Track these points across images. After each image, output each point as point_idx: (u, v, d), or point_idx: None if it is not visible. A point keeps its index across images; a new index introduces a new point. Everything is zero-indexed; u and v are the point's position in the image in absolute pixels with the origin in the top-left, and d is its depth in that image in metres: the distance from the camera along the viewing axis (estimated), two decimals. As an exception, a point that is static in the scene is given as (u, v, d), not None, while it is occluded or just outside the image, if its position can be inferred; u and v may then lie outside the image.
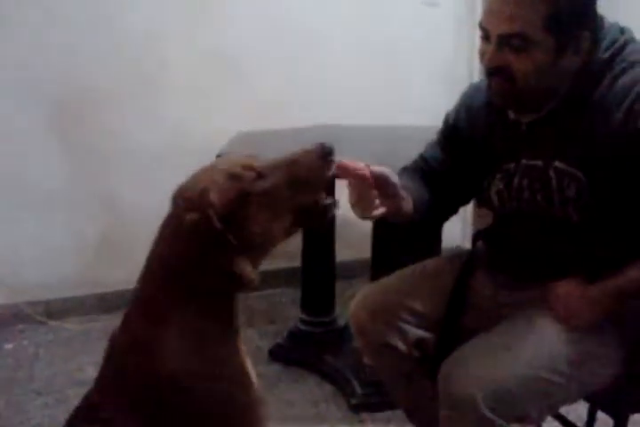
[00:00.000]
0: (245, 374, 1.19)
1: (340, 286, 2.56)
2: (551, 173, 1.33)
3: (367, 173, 1.22)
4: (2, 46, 2.50)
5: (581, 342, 1.30)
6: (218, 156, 2.09)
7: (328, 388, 2.27)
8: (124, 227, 2.75)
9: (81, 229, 2.75)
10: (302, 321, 2.47)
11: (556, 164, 1.32)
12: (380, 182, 1.25)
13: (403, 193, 1.34)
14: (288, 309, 2.74)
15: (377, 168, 1.25)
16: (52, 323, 2.75)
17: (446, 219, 1.61)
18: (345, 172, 1.20)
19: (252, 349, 2.44)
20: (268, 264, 3.26)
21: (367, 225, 2.34)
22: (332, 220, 1.18)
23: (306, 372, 2.37)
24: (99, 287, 2.78)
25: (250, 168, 1.10)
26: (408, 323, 1.51)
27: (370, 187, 1.24)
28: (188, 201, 1.09)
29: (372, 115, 2.70)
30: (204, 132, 2.66)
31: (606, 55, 1.27)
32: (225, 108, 2.78)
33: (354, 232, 2.59)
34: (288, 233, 1.16)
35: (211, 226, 1.05)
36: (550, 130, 1.33)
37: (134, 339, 1.14)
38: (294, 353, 2.43)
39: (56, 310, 2.78)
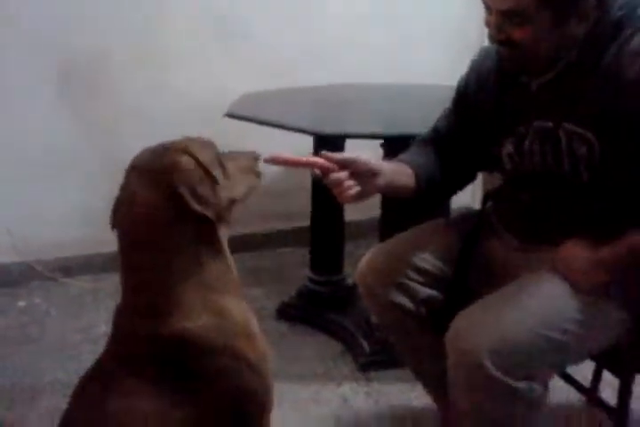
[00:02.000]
0: (249, 327, 1.23)
1: (349, 245, 2.57)
2: (561, 134, 1.32)
3: (305, 160, 1.28)
4: (11, 12, 2.48)
5: (589, 303, 1.30)
6: (226, 115, 2.09)
7: (336, 346, 2.29)
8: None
9: (92, 190, 2.72)
10: (311, 280, 2.49)
11: (566, 124, 1.31)
12: (347, 165, 1.28)
13: (389, 168, 1.38)
14: (296, 268, 2.74)
15: (337, 154, 1.29)
16: (64, 280, 2.78)
17: (461, 187, 1.62)
18: (285, 162, 1.27)
19: (259, 307, 2.46)
20: (276, 223, 3.32)
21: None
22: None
23: (314, 330, 2.39)
24: (109, 246, 2.78)
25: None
26: (415, 281, 1.52)
27: (330, 171, 1.27)
28: (166, 153, 1.18)
29: (383, 73, 2.66)
30: (213, 92, 2.63)
31: (617, 16, 1.26)
32: (234, 69, 2.75)
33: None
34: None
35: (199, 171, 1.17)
36: (560, 91, 1.33)
37: (134, 302, 1.18)
38: (302, 312, 2.45)
39: (67, 268, 2.81)
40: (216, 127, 2.30)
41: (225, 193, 1.20)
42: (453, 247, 1.53)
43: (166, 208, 1.14)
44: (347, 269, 2.50)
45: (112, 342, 1.21)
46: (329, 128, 2.00)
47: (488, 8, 1.30)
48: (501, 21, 1.27)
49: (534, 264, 1.40)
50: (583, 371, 1.75)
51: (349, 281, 2.47)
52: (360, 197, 1.32)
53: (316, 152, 2.10)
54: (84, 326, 2.43)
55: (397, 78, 2.64)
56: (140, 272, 1.17)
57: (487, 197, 1.60)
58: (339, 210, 2.43)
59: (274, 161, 1.26)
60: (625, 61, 1.23)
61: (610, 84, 1.25)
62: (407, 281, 1.51)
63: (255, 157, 1.33)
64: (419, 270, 1.52)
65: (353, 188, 1.29)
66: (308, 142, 2.21)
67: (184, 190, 1.13)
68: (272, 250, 3.03)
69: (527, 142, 1.39)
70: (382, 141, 2.01)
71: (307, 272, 2.52)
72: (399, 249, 1.55)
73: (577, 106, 1.30)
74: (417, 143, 1.58)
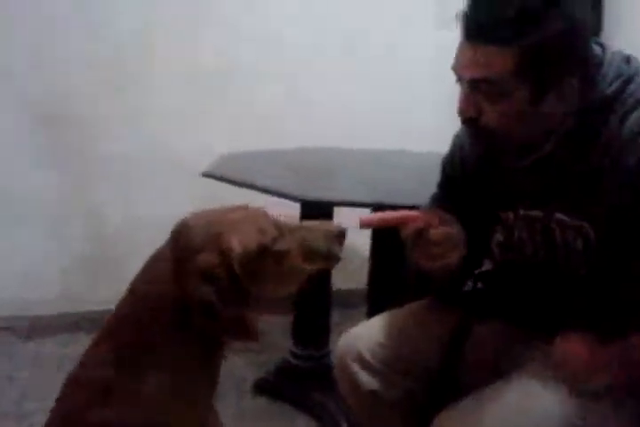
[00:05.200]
0: None
1: (335, 316, 2.41)
2: (553, 226, 1.18)
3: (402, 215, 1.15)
4: None
5: (588, 410, 1.14)
6: (203, 175, 1.97)
7: (315, 428, 2.11)
8: (108, 243, 2.66)
9: (65, 244, 2.66)
10: (292, 354, 2.32)
11: (558, 215, 1.17)
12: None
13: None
14: (281, 336, 2.57)
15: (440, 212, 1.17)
16: (31, 341, 2.62)
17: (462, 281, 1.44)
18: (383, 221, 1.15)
19: (237, 380, 2.31)
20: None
21: (366, 252, 2.20)
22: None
23: (293, 409, 2.20)
24: (81, 305, 2.66)
25: (275, 226, 1.07)
26: (398, 372, 1.37)
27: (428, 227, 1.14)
28: (203, 240, 1.00)
29: (370, 139, 2.56)
30: (191, 148, 2.57)
31: (610, 91, 1.13)
32: (218, 125, 2.68)
33: (352, 259, 2.45)
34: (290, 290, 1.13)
35: (228, 272, 0.99)
36: (548, 176, 1.18)
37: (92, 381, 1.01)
38: (281, 388, 2.28)
39: (36, 328, 2.66)
40: (197, 186, 2.22)
41: (265, 292, 1.06)
42: (440, 335, 1.38)
43: (175, 303, 0.99)
44: (333, 342, 2.33)
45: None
46: (315, 194, 1.88)
47: (458, 78, 1.15)
48: (472, 94, 1.13)
49: (528, 358, 1.26)
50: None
51: (334, 357, 2.29)
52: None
53: (304, 218, 2.00)
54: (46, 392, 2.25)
55: (388, 144, 2.52)
56: (119, 346, 1.01)
57: (478, 277, 1.44)
58: (325, 276, 2.28)
59: (370, 224, 1.13)
60: (627, 141, 1.10)
61: (608, 168, 1.11)
62: (389, 371, 1.37)
63: (339, 233, 1.12)
64: (402, 360, 1.37)
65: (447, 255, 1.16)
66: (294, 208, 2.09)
67: (199, 293, 0.98)
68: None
69: (516, 232, 1.25)
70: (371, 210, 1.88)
71: (289, 344, 2.35)
72: (381, 336, 1.40)
73: (569, 193, 1.16)
74: None
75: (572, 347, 1.18)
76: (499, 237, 1.29)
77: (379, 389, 1.37)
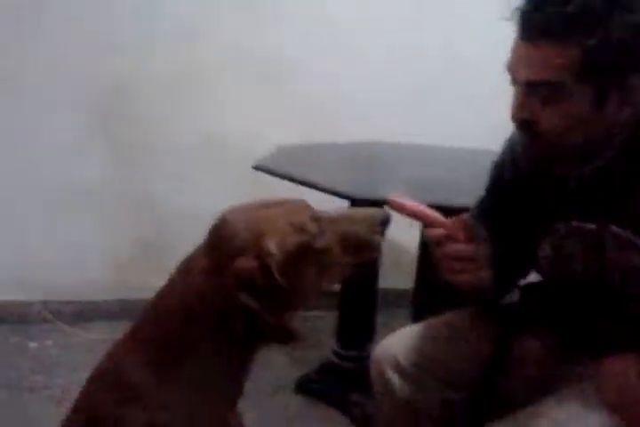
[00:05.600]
0: None
1: (382, 317, 2.34)
2: (608, 240, 1.09)
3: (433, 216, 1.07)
4: (41, 43, 2.42)
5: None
6: (254, 168, 1.94)
7: (353, 431, 2.06)
8: (158, 230, 2.66)
9: (114, 231, 2.66)
10: (336, 354, 2.27)
11: (613, 229, 1.08)
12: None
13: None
14: (327, 335, 2.53)
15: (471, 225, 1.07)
16: (78, 327, 2.65)
17: (502, 293, 1.36)
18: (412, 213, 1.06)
19: (279, 377, 2.28)
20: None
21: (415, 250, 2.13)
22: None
23: (332, 410, 2.16)
24: (129, 293, 2.67)
25: (315, 220, 1.01)
26: (436, 380, 1.31)
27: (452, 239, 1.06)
28: (240, 242, 0.95)
29: (431, 134, 2.48)
30: (244, 137, 2.54)
31: None
32: (271, 115, 2.63)
33: (401, 258, 2.39)
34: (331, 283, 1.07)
35: (267, 277, 0.93)
36: (604, 187, 1.09)
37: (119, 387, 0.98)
38: (322, 387, 2.23)
39: (83, 314, 2.70)
40: (245, 175, 2.19)
41: (306, 289, 1.01)
42: (481, 346, 1.31)
43: (212, 306, 0.96)
44: (378, 343, 2.27)
45: None
46: (364, 192, 1.82)
47: (513, 79, 1.06)
48: (528, 96, 1.04)
49: (575, 379, 1.18)
50: None
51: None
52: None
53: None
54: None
55: (447, 141, 2.44)
56: (148, 342, 0.99)
57: (526, 290, 1.36)
58: (373, 276, 2.22)
59: (398, 209, 1.06)
60: None
61: None
62: (427, 380, 1.31)
63: (383, 220, 1.06)
64: (440, 369, 1.31)
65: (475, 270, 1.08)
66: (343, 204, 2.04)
67: (239, 300, 0.94)
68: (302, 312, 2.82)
69: (567, 246, 1.16)
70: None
71: (333, 344, 2.31)
72: (421, 343, 1.35)
73: (626, 206, 1.07)
74: None
75: (620, 364, 1.10)
76: (547, 249, 1.20)
77: (414, 397, 1.32)
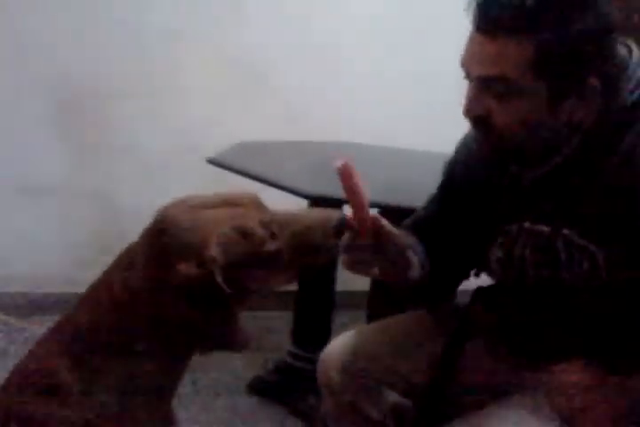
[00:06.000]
0: None
1: (339, 318, 2.31)
2: (559, 245, 1.07)
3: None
4: (8, 42, 2.38)
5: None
6: (208, 161, 1.90)
7: (305, 434, 2.03)
8: (117, 228, 2.58)
9: (74, 227, 2.62)
10: (291, 354, 2.23)
11: (565, 231, 1.06)
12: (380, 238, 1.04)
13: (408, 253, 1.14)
14: (282, 337, 2.49)
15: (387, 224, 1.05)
16: (31, 319, 2.58)
17: (448, 286, 1.35)
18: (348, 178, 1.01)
19: (233, 378, 2.25)
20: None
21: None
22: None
23: (286, 411, 2.12)
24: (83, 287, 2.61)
25: (265, 226, 0.97)
26: (383, 385, 1.28)
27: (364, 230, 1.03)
28: (183, 246, 0.92)
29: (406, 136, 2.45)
30: (213, 138, 2.44)
31: (631, 100, 1.01)
32: (239, 116, 2.59)
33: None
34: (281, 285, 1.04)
35: (210, 284, 0.90)
36: (558, 188, 1.07)
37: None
38: (276, 388, 2.19)
39: (36, 306, 2.63)
40: (213, 177, 2.14)
41: (254, 291, 0.99)
42: (431, 350, 1.28)
43: (148, 308, 0.93)
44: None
45: None
46: (323, 191, 1.78)
47: (467, 74, 1.04)
48: (481, 92, 1.02)
49: (525, 386, 1.16)
50: None
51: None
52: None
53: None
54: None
55: (423, 144, 2.41)
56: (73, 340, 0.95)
57: (477, 294, 1.33)
58: (329, 277, 2.19)
59: (343, 176, 1.01)
60: None
61: (627, 184, 1.00)
62: (375, 384, 1.28)
63: (337, 223, 1.01)
64: (389, 372, 1.28)
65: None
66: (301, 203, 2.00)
67: (177, 309, 0.91)
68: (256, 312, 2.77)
69: (518, 248, 1.13)
70: (378, 211, 1.79)
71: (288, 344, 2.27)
72: (368, 345, 1.32)
73: (580, 210, 1.04)
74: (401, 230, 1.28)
75: (571, 374, 1.08)
76: (498, 252, 1.17)
77: (364, 405, 1.28)
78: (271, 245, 0.97)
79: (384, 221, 1.05)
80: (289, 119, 2.60)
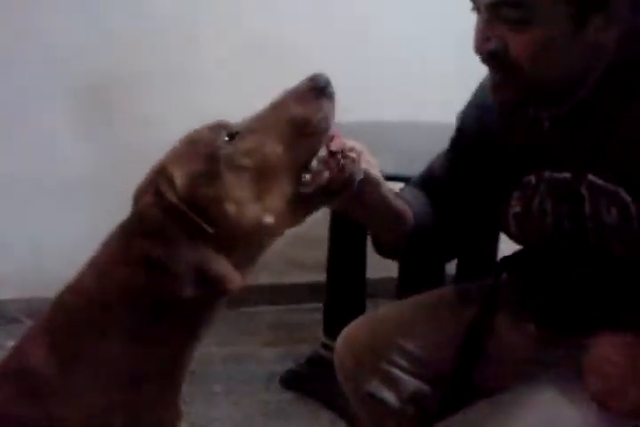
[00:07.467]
0: None
1: (371, 307, 2.22)
2: (584, 191, 0.95)
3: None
4: (30, 33, 2.35)
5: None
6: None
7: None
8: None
9: (104, 224, 2.57)
10: (323, 345, 2.15)
11: (590, 177, 0.94)
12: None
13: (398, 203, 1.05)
14: (314, 330, 2.41)
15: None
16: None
17: (459, 248, 1.25)
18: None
19: (266, 373, 2.18)
20: (295, 275, 2.94)
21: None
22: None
23: (320, 406, 2.05)
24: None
25: (218, 128, 0.82)
26: (403, 370, 1.19)
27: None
28: (141, 186, 0.84)
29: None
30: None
31: None
32: (265, 98, 2.51)
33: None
34: (287, 217, 0.82)
35: (169, 207, 0.75)
36: (582, 129, 0.96)
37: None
38: (311, 383, 2.11)
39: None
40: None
41: (240, 218, 0.78)
42: (452, 329, 1.18)
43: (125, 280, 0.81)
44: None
45: None
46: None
47: (475, 3, 0.92)
48: (493, 23, 0.89)
49: (557, 364, 1.06)
50: None
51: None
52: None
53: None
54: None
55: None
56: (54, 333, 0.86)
57: (503, 264, 1.23)
58: (360, 264, 2.10)
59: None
60: None
61: None
62: (394, 369, 1.19)
63: (322, 84, 0.82)
64: (406, 355, 1.19)
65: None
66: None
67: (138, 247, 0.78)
68: (287, 304, 2.70)
69: (536, 200, 1.02)
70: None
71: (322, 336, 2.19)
72: (383, 326, 1.23)
73: (606, 151, 0.93)
74: (407, 188, 1.21)
75: (606, 349, 0.97)
76: (515, 207, 1.06)
77: (380, 392, 1.20)
78: (242, 144, 0.80)
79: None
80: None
